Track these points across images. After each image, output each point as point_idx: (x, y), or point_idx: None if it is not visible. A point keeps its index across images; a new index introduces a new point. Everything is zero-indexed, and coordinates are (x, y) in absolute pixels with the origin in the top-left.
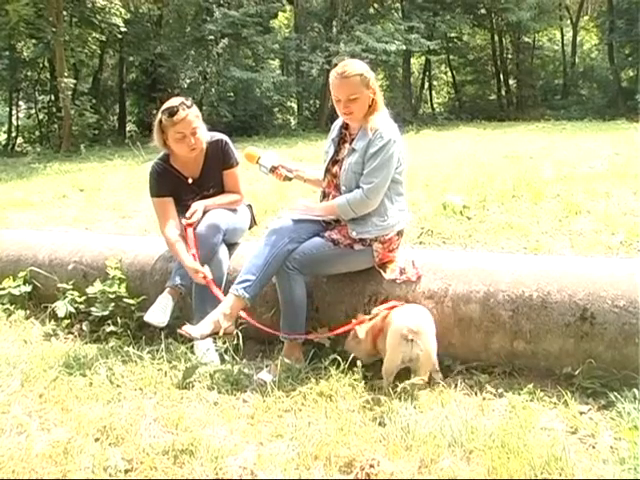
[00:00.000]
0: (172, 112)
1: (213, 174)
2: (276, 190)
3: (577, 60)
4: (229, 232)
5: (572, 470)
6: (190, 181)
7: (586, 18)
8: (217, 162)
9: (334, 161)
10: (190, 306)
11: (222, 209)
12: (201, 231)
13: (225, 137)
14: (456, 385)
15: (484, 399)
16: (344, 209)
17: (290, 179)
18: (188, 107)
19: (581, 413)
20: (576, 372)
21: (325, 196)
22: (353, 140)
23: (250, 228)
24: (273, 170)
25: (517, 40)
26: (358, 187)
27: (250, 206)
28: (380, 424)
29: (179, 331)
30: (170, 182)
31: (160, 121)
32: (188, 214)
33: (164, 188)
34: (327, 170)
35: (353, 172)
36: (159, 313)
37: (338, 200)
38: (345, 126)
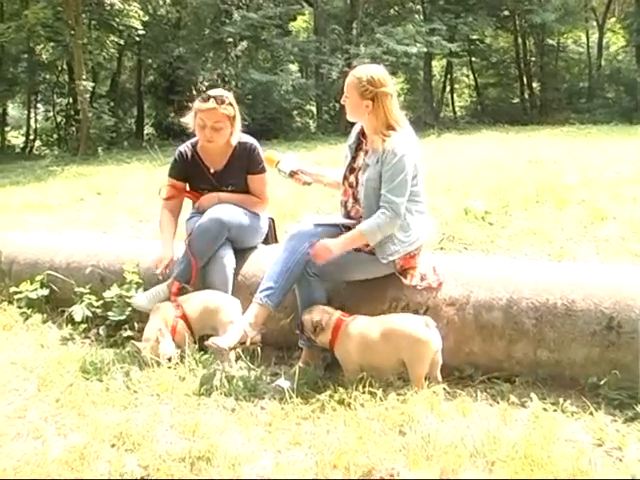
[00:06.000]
0: (204, 99)
1: (235, 173)
2: (294, 194)
3: (603, 62)
4: (236, 229)
5: None
6: (212, 171)
7: (613, 19)
8: (241, 163)
9: (351, 169)
10: None
11: (233, 205)
12: (203, 222)
13: (256, 143)
14: (477, 394)
15: (506, 409)
16: (372, 234)
17: (309, 184)
18: (221, 102)
19: (607, 425)
20: (602, 382)
21: (343, 206)
22: (367, 152)
23: (268, 243)
24: (292, 175)
25: (541, 42)
26: (378, 204)
27: (272, 220)
28: (400, 433)
29: (206, 343)
30: (190, 167)
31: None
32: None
33: (181, 172)
34: (345, 177)
35: (372, 188)
36: (144, 298)
37: (363, 227)
38: (363, 133)
